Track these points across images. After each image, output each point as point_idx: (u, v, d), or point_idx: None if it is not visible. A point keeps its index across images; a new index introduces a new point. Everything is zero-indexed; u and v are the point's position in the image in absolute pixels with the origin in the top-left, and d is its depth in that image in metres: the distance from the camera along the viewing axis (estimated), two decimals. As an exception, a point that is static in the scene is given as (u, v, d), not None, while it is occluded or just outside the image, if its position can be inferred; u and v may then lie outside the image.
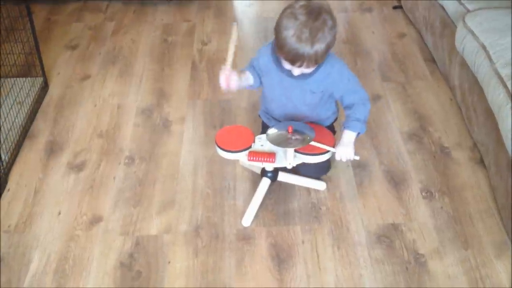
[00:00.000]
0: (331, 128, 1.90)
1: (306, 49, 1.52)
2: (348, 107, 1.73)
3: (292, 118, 1.80)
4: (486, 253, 1.67)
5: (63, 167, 2.03)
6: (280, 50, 1.58)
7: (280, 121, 1.85)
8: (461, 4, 2.19)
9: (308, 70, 1.63)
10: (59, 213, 1.85)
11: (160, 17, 2.98)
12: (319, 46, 1.52)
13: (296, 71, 1.63)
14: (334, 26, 1.56)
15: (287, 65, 1.63)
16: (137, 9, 3.04)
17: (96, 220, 1.82)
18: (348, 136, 1.72)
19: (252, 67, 1.79)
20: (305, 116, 1.80)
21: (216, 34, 2.80)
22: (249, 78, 1.75)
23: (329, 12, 1.57)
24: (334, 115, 1.90)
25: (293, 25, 1.52)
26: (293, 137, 1.68)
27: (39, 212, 1.85)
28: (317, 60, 1.57)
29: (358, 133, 1.73)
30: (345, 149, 1.71)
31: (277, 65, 1.68)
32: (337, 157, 1.71)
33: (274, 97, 1.79)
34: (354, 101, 1.72)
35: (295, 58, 1.55)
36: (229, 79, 1.65)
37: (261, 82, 1.80)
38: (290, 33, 1.52)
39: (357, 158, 1.73)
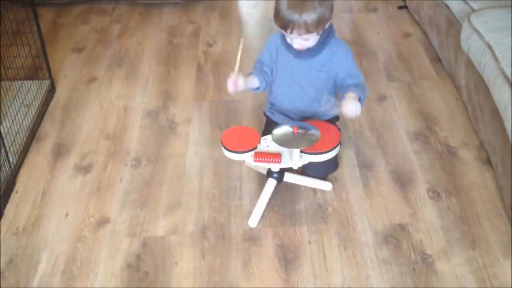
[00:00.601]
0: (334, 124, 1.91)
1: (295, 16, 1.62)
2: (350, 85, 1.74)
3: (297, 105, 1.84)
4: (494, 252, 1.67)
5: (70, 169, 2.04)
6: (275, 18, 1.68)
7: (285, 115, 1.88)
8: (466, 3, 2.19)
9: (307, 43, 1.70)
10: (67, 215, 1.86)
11: (165, 19, 2.99)
12: (308, 15, 1.62)
13: (295, 43, 1.70)
14: None
15: (287, 39, 1.72)
16: (142, 11, 3.06)
17: (103, 221, 1.83)
18: (352, 94, 1.67)
19: (261, 63, 1.85)
20: (311, 102, 1.83)
21: (221, 36, 2.80)
22: (255, 81, 1.81)
23: None
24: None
25: None
26: (299, 137, 1.68)
27: (47, 214, 1.86)
28: (308, 28, 1.64)
29: (360, 99, 1.69)
30: (350, 103, 1.65)
31: (286, 46, 1.77)
32: (347, 114, 1.66)
33: (282, 79, 1.84)
34: (356, 82, 1.76)
35: (285, 25, 1.65)
36: (236, 83, 1.72)
37: (266, 85, 1.84)
38: (284, 1, 1.64)
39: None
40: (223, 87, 2.43)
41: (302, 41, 1.70)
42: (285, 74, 1.83)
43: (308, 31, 1.66)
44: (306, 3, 1.62)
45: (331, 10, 1.68)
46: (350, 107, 1.64)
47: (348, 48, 1.81)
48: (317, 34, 1.69)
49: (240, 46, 1.71)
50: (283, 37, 1.77)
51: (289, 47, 1.77)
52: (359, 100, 1.68)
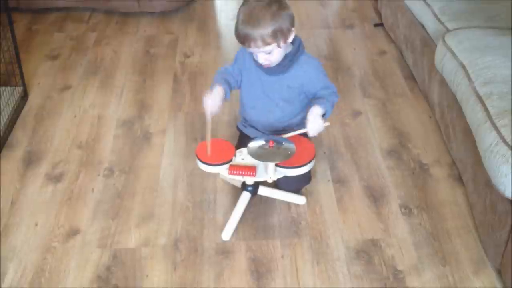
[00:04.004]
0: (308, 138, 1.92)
1: (249, 30, 1.63)
2: (320, 97, 1.77)
3: (270, 120, 1.85)
4: (464, 269, 1.69)
5: (41, 178, 2.00)
6: (235, 34, 1.69)
7: (258, 129, 1.89)
8: (441, 23, 2.23)
9: (272, 58, 1.70)
10: (36, 225, 1.82)
11: (142, 28, 2.97)
12: (263, 29, 1.63)
13: (260, 58, 1.71)
14: (280, 10, 1.66)
15: (253, 55, 1.72)
16: (119, 20, 3.04)
17: (73, 232, 1.80)
18: (315, 109, 1.70)
19: (228, 73, 1.85)
20: (284, 116, 1.84)
21: (199, 47, 2.80)
22: (225, 93, 1.78)
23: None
24: None
25: (242, 10, 1.67)
26: (274, 151, 1.68)
27: (15, 223, 1.82)
28: (265, 41, 1.65)
29: (324, 115, 1.72)
30: (314, 123, 1.68)
31: (256, 63, 1.77)
32: (310, 134, 1.70)
33: (254, 96, 1.84)
34: (326, 94, 1.79)
35: (243, 40, 1.66)
36: (213, 107, 1.73)
37: (231, 89, 1.83)
38: (239, 18, 1.67)
39: (327, 124, 1.71)
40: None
41: (265, 55, 1.69)
42: (256, 90, 1.83)
43: (266, 43, 1.65)
44: (259, 16, 1.63)
45: (290, 20, 1.67)
46: (312, 128, 1.68)
47: (318, 63, 1.82)
48: (278, 46, 1.67)
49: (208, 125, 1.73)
50: (252, 53, 1.77)
51: (258, 64, 1.76)
52: (324, 115, 1.71)
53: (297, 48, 1.76)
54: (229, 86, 1.82)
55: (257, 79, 1.81)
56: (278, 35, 1.65)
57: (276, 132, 1.85)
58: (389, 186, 1.98)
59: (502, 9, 2.23)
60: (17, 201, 1.91)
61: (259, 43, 1.65)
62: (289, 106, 1.83)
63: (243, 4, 1.69)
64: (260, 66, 1.76)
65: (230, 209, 1.84)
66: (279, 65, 1.75)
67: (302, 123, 1.91)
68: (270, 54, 1.69)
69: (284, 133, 1.80)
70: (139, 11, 3.05)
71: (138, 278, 1.66)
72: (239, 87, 1.88)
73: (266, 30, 1.63)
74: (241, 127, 1.98)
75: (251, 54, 1.77)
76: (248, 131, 1.92)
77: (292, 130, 1.86)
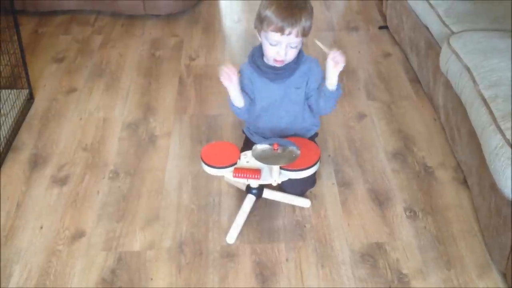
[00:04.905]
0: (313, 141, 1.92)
1: (290, 19, 1.63)
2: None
3: (281, 126, 1.85)
4: (469, 273, 1.68)
5: (46, 181, 2.01)
6: (268, 23, 1.66)
7: (265, 137, 1.87)
8: (446, 25, 2.22)
9: (291, 53, 1.71)
10: (41, 227, 1.83)
11: (148, 31, 2.98)
12: (304, 20, 1.65)
13: (280, 52, 1.70)
14: (312, 8, 1.71)
15: (270, 51, 1.70)
16: (125, 23, 3.05)
17: (78, 235, 1.80)
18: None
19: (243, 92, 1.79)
20: (293, 119, 1.85)
21: (204, 50, 2.81)
22: (242, 96, 1.74)
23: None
24: (316, 127, 1.96)
25: (277, 1, 1.67)
26: (279, 154, 1.69)
27: (21, 226, 1.83)
28: (303, 32, 1.68)
29: (337, 90, 1.73)
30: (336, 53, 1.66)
31: (259, 72, 1.78)
32: (331, 60, 1.65)
33: (262, 105, 1.83)
34: None
35: (282, 27, 1.64)
36: (232, 76, 1.67)
37: (247, 109, 1.78)
38: (274, 5, 1.66)
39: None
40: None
41: (290, 48, 1.70)
42: (263, 100, 1.82)
43: (303, 35, 1.68)
44: (301, 8, 1.66)
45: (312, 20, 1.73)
46: (337, 56, 1.64)
47: (317, 60, 1.85)
48: (301, 43, 1.72)
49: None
50: (253, 64, 1.78)
51: (264, 73, 1.77)
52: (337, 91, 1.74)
53: (300, 50, 1.78)
54: (248, 99, 1.79)
55: (264, 89, 1.81)
56: (310, 30, 1.70)
57: (285, 137, 1.84)
58: (394, 189, 1.98)
59: (507, 12, 2.22)
60: (22, 203, 1.92)
61: (298, 33, 1.66)
62: (298, 109, 1.84)
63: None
64: (266, 73, 1.76)
65: (235, 212, 1.84)
66: (285, 68, 1.76)
67: (311, 128, 1.92)
68: (295, 48, 1.71)
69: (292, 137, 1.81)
70: (145, 13, 3.06)
71: (143, 281, 1.66)
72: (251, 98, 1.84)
73: (306, 22, 1.66)
74: (247, 134, 1.98)
75: (253, 64, 1.77)
76: (255, 139, 1.92)
77: (302, 136, 1.87)
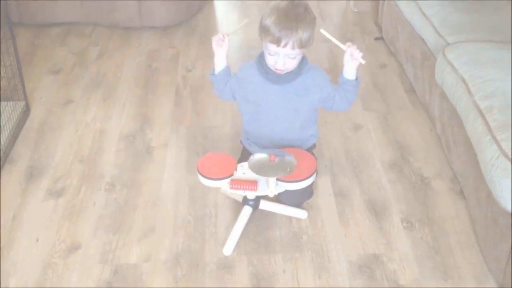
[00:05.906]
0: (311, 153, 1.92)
1: (286, 31, 1.65)
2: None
3: (276, 131, 1.86)
4: (466, 284, 1.68)
5: (42, 193, 2.00)
6: (266, 33, 1.68)
7: (261, 147, 1.87)
8: (441, 36, 2.24)
9: (292, 63, 1.72)
10: (37, 240, 1.82)
11: (145, 42, 2.99)
12: (302, 31, 1.66)
13: (280, 62, 1.71)
14: (313, 18, 1.73)
15: (270, 59, 1.72)
16: (122, 34, 3.06)
17: (74, 247, 1.80)
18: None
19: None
20: (288, 128, 1.85)
21: (200, 61, 2.82)
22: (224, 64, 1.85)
23: (308, 7, 1.74)
24: (315, 137, 1.96)
25: (275, 9, 1.68)
26: (275, 165, 1.69)
27: (16, 238, 1.82)
28: (300, 44, 1.68)
29: (356, 79, 1.79)
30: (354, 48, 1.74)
31: (262, 72, 1.79)
32: (348, 53, 1.75)
33: (260, 108, 1.84)
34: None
35: (279, 38, 1.65)
36: (223, 41, 1.80)
37: (225, 83, 1.88)
38: (273, 16, 1.67)
39: (363, 62, 1.74)
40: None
41: (288, 59, 1.70)
42: (262, 102, 1.83)
43: (300, 46, 1.69)
44: (298, 19, 1.66)
45: (314, 30, 1.74)
46: (353, 51, 1.73)
47: (322, 70, 1.87)
48: (302, 53, 1.73)
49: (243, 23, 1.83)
50: (259, 64, 1.79)
51: (266, 74, 1.78)
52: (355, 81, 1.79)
53: (302, 57, 1.78)
54: (227, 78, 1.87)
55: (264, 91, 1.81)
56: (309, 41, 1.71)
57: (281, 146, 1.84)
58: (390, 200, 1.98)
59: (502, 23, 2.24)
60: (18, 215, 1.91)
61: (294, 44, 1.67)
62: (295, 117, 1.84)
63: (275, 5, 1.70)
64: (268, 75, 1.78)
65: (232, 223, 1.84)
66: (288, 73, 1.77)
67: (309, 139, 1.93)
68: (294, 59, 1.72)
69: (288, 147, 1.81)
70: (141, 25, 3.07)
71: (139, 293, 1.65)
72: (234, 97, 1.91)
73: (304, 33, 1.67)
74: (245, 144, 1.98)
75: (255, 71, 1.79)
76: (253, 149, 1.92)
77: (300, 146, 1.87)
